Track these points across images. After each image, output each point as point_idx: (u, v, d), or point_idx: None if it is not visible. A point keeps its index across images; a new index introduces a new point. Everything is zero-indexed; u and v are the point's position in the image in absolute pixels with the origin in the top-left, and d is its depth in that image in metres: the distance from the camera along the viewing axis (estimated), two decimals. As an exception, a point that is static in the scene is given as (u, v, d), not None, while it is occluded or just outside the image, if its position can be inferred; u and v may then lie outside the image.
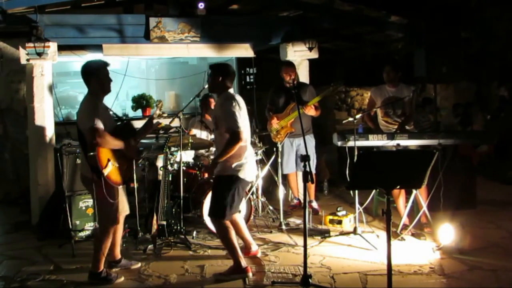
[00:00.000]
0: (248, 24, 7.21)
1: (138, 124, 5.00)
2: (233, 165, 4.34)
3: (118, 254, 4.66)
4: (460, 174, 6.23)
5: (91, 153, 4.03)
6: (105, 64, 4.31)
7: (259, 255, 4.85)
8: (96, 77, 4.24)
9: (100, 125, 4.05)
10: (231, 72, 4.55)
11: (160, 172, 5.66)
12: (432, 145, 5.31)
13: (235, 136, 4.23)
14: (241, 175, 4.37)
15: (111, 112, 4.58)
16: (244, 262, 4.41)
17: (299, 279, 4.10)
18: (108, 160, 4.10)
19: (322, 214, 5.93)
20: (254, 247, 4.86)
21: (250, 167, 4.47)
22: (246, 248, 4.82)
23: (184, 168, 5.85)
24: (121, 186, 4.40)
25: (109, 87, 4.34)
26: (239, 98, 4.49)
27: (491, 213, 6.17)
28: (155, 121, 4.69)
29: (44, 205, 5.85)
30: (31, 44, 5.80)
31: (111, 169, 4.11)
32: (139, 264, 4.71)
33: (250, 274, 4.37)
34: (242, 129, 4.27)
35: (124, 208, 4.51)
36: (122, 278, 4.42)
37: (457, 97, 10.97)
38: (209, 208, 4.54)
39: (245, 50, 7.69)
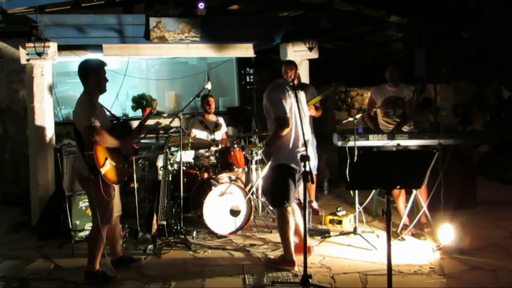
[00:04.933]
0: (248, 24, 7.20)
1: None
2: (283, 154, 4.39)
3: (119, 252, 4.68)
4: (460, 174, 6.23)
5: (89, 152, 4.03)
6: (104, 63, 4.34)
7: (312, 252, 4.88)
8: (95, 75, 4.25)
9: (97, 123, 4.07)
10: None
11: (160, 172, 5.66)
12: (432, 145, 5.32)
13: (282, 122, 4.29)
14: (291, 164, 4.40)
15: (106, 111, 4.57)
16: (293, 257, 4.52)
17: (299, 279, 4.10)
18: (106, 159, 4.11)
19: (322, 214, 5.93)
20: None
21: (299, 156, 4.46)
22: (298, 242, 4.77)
23: (184, 168, 5.85)
24: (115, 186, 4.40)
25: (105, 87, 4.34)
26: (287, 86, 4.51)
27: (491, 213, 6.16)
28: (155, 121, 4.70)
29: (44, 205, 5.84)
30: (31, 44, 5.80)
31: (108, 168, 4.12)
32: (142, 258, 4.72)
33: (296, 268, 4.48)
34: (289, 115, 4.32)
35: (117, 208, 4.52)
36: (119, 278, 4.40)
37: (457, 97, 10.94)
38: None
39: (245, 50, 7.68)
